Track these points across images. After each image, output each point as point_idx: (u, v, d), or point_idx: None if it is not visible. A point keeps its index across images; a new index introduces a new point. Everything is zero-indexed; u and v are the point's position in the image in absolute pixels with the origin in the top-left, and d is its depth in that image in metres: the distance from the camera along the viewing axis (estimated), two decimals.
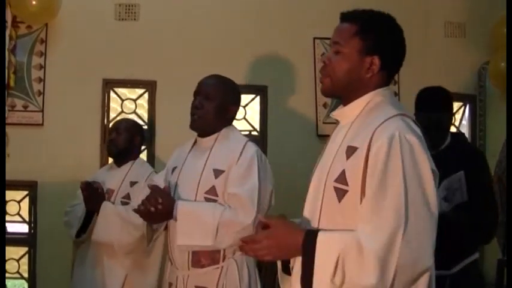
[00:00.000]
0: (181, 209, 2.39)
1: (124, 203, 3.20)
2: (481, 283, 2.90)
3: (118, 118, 3.89)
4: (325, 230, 1.65)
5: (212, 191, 2.45)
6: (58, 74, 3.94)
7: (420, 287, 1.62)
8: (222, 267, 2.44)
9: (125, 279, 3.15)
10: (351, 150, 1.68)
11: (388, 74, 1.80)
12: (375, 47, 1.74)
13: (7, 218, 3.77)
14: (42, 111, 3.91)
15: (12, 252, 3.88)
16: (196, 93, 2.58)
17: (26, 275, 3.92)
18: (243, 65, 3.99)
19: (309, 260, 1.61)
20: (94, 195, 3.12)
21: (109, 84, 4.03)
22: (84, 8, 3.97)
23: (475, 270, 2.82)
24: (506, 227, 2.77)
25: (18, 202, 3.92)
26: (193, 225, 2.37)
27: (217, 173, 2.46)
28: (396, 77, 4.09)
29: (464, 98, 4.26)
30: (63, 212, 3.35)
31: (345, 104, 1.82)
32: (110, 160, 3.53)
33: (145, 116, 4.07)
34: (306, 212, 1.79)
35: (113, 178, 3.29)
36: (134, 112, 4.08)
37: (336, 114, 1.85)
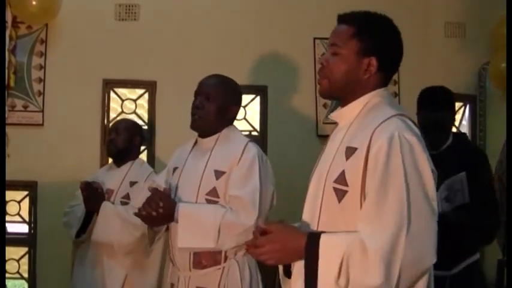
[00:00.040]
0: (183, 212, 2.38)
1: (124, 203, 3.20)
2: (483, 284, 2.89)
3: (118, 118, 3.89)
4: (327, 232, 1.65)
5: (213, 192, 2.44)
6: (58, 74, 3.94)
7: (419, 287, 1.62)
8: (224, 267, 2.43)
9: (125, 279, 3.15)
10: (350, 151, 1.69)
11: (386, 75, 1.81)
12: (372, 48, 1.75)
13: (7, 218, 3.77)
14: (42, 111, 3.92)
15: (12, 252, 3.89)
16: (197, 94, 2.57)
17: (26, 275, 3.92)
18: (243, 65, 3.99)
19: (313, 263, 1.61)
20: (94, 195, 3.12)
21: (109, 85, 4.03)
22: (84, 8, 3.97)
23: (476, 271, 2.81)
24: (506, 227, 2.77)
25: (18, 202, 3.93)
26: (194, 228, 2.36)
27: (218, 174, 2.45)
28: (396, 77, 4.10)
29: (464, 98, 4.25)
30: (63, 212, 3.35)
31: (343, 105, 1.82)
32: (110, 160, 3.53)
33: (145, 116, 4.07)
34: (306, 213, 1.79)
35: (113, 178, 3.29)
36: (134, 112, 4.08)
37: (335, 115, 1.85)
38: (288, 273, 1.80)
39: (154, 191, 2.40)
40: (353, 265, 1.56)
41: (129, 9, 4.03)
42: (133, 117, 3.98)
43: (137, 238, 3.04)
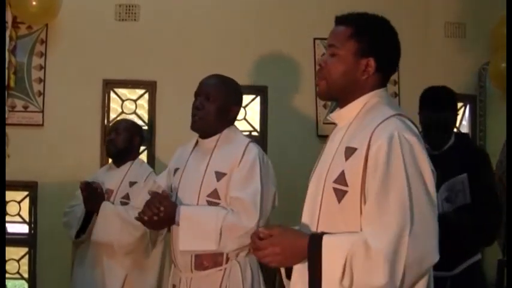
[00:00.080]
0: (184, 214, 2.37)
1: (123, 203, 3.20)
2: (484, 285, 2.88)
3: (118, 119, 3.89)
4: (330, 233, 1.65)
5: (214, 194, 2.43)
6: (58, 75, 3.94)
7: (419, 287, 1.63)
8: (225, 269, 2.42)
9: (125, 279, 3.15)
10: (349, 151, 1.69)
11: (384, 76, 1.82)
12: (370, 49, 1.76)
13: (7, 218, 3.77)
14: (43, 111, 3.92)
15: (13, 252, 3.89)
16: (197, 94, 2.55)
17: (26, 275, 3.92)
18: (243, 65, 3.99)
19: (316, 264, 1.61)
20: (93, 195, 3.12)
21: (109, 85, 4.03)
22: (84, 8, 3.97)
23: (477, 272, 2.79)
24: (506, 227, 2.76)
25: (19, 203, 3.93)
26: (196, 231, 2.35)
27: (219, 175, 2.43)
28: (396, 78, 4.09)
29: (464, 99, 4.25)
30: (63, 212, 3.35)
31: (341, 106, 1.83)
32: (110, 161, 3.53)
33: (145, 117, 4.07)
34: (305, 213, 1.80)
35: (112, 178, 3.29)
36: (134, 113, 4.08)
37: (333, 116, 1.86)
38: (290, 276, 1.80)
39: (154, 194, 2.39)
40: (357, 265, 1.56)
41: (129, 10, 4.03)
42: (133, 117, 3.99)
43: (137, 238, 3.04)
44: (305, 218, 1.79)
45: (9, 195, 3.76)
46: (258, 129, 4.13)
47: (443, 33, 4.27)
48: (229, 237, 2.35)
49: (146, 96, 4.07)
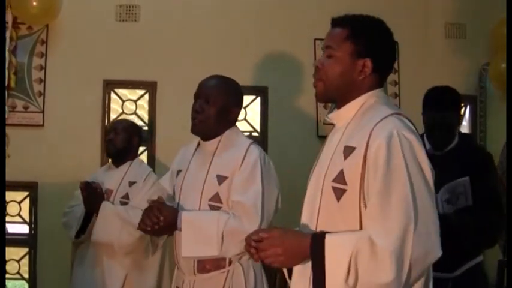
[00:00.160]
0: (185, 220, 2.35)
1: (123, 203, 3.20)
2: (485, 286, 2.86)
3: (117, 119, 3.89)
4: (331, 232, 1.65)
5: (216, 197, 2.40)
6: (58, 75, 3.94)
7: (417, 286, 1.64)
8: (228, 271, 2.40)
9: (125, 279, 3.15)
10: (348, 150, 1.70)
11: (380, 76, 1.83)
12: (367, 50, 1.77)
13: (7, 218, 3.78)
14: (43, 112, 3.92)
15: (13, 253, 3.89)
16: (197, 96, 2.50)
17: (26, 275, 3.92)
18: (243, 65, 3.99)
19: (319, 264, 1.61)
20: (93, 195, 3.12)
21: (109, 85, 4.03)
22: (85, 9, 3.98)
23: (478, 273, 2.77)
24: (506, 228, 2.76)
25: (19, 203, 3.93)
26: (197, 236, 2.33)
27: (221, 179, 2.41)
28: (396, 78, 4.10)
29: (464, 99, 4.23)
30: (63, 212, 3.35)
31: (339, 107, 1.84)
32: (110, 161, 3.52)
33: (145, 117, 4.07)
34: (305, 213, 1.80)
35: (112, 178, 3.29)
36: (135, 113, 4.09)
37: (331, 116, 1.87)
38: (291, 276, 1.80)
39: (152, 203, 2.37)
40: (362, 263, 1.56)
41: (129, 10, 4.04)
42: (133, 118, 3.99)
43: (137, 238, 3.04)
44: (304, 218, 1.80)
45: (10, 195, 3.77)
46: (259, 130, 4.13)
47: (443, 34, 4.27)
48: (231, 242, 2.32)
49: (146, 96, 4.08)
